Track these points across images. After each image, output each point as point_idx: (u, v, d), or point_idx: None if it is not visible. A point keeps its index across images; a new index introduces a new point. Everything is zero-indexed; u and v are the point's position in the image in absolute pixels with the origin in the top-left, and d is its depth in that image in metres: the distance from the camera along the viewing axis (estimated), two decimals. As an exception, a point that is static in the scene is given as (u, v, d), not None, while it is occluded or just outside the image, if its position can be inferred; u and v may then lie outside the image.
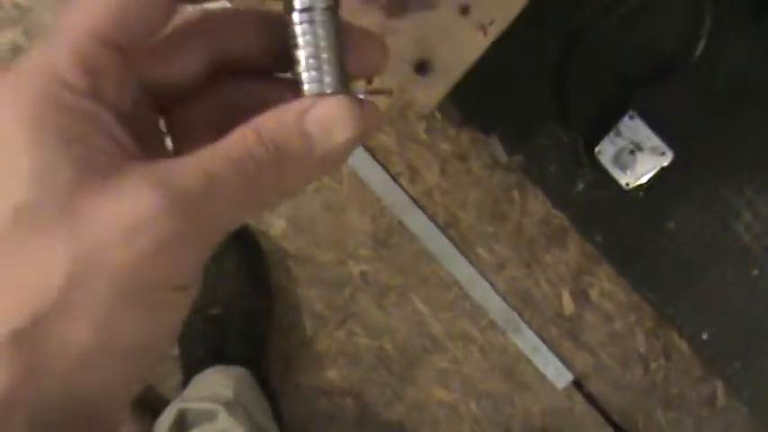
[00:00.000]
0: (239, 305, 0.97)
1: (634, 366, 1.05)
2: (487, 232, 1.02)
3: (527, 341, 1.03)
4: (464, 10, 0.62)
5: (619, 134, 0.99)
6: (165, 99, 0.29)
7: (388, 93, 0.76)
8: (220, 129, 0.27)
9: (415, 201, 1.00)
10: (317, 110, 0.26)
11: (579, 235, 1.02)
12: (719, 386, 1.06)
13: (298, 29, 0.28)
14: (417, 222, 1.01)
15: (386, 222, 1.01)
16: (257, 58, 0.30)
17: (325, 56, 0.28)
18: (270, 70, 0.30)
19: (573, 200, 1.02)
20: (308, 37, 0.28)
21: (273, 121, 0.26)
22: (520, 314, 1.03)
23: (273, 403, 1.00)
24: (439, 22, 0.62)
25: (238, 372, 0.92)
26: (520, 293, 1.03)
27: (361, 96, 0.28)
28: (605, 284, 1.03)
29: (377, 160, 0.99)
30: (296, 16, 0.28)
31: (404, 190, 1.00)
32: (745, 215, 1.02)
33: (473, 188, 1.01)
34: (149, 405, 1.03)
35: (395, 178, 1.00)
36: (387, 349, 1.05)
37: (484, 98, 1.01)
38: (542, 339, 1.04)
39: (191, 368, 0.96)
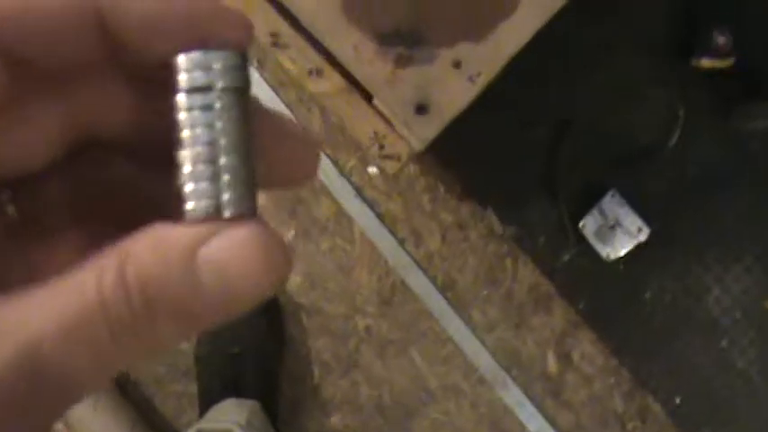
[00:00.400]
0: (256, 346, 1.07)
1: (612, 426, 1.14)
2: (482, 295, 1.13)
3: (513, 397, 1.13)
4: (456, 64, 0.74)
5: (601, 211, 1.09)
6: (5, 176, 0.22)
7: (398, 159, 0.89)
8: (78, 214, 0.24)
9: (417, 263, 1.12)
10: (212, 247, 0.19)
11: (564, 301, 1.12)
12: (691, 449, 1.15)
13: (184, 117, 0.20)
14: (419, 283, 1.12)
15: (390, 281, 1.13)
16: (129, 132, 0.23)
17: (226, 161, 0.20)
18: (148, 145, 0.23)
19: (559, 269, 1.13)
20: (198, 131, 0.20)
21: (148, 255, 0.19)
22: (508, 371, 1.13)
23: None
24: (436, 73, 0.75)
25: (252, 403, 1.02)
26: (508, 352, 1.14)
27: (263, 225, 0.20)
28: (587, 348, 1.13)
29: (385, 225, 1.12)
30: (182, 99, 0.20)
31: (408, 253, 1.12)
32: (715, 290, 1.12)
33: (470, 255, 1.13)
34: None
35: (401, 242, 1.12)
36: (385, 399, 1.15)
37: (482, 175, 1.12)
38: (527, 396, 1.13)
39: (208, 402, 1.06)
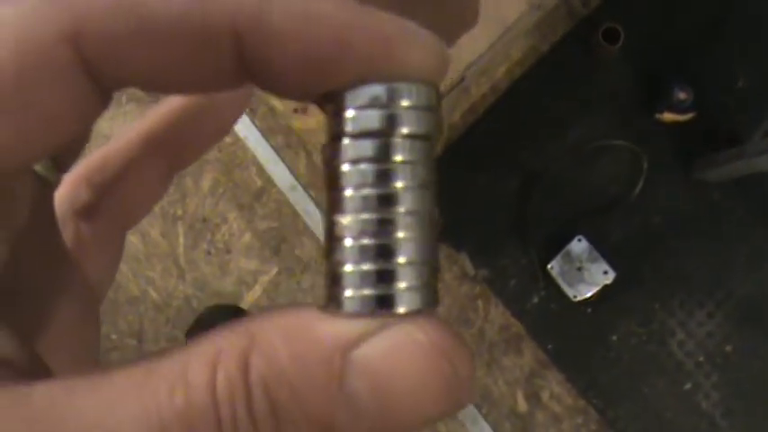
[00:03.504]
0: None
1: (580, 466, 1.27)
2: (454, 334, 1.27)
3: (484, 434, 1.27)
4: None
5: (568, 254, 1.23)
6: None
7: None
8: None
9: (393, 302, 1.27)
10: (371, 351, 0.15)
11: (533, 342, 1.26)
12: (658, 490, 1.27)
13: (349, 171, 0.16)
14: (394, 321, 1.27)
15: (368, 319, 1.27)
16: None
17: (405, 235, 0.16)
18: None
19: (529, 311, 1.27)
20: (368, 192, 0.16)
21: (282, 348, 0.15)
22: (478, 409, 1.27)
23: None
24: None
25: None
26: (480, 390, 1.27)
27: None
28: (555, 388, 1.26)
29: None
30: (350, 146, 0.16)
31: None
32: (679, 334, 1.25)
33: (445, 295, 1.27)
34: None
35: (377, 282, 1.27)
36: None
37: (457, 220, 1.27)
38: (498, 434, 1.27)
39: None
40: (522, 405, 1.25)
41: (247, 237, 1.30)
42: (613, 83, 1.26)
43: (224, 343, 0.15)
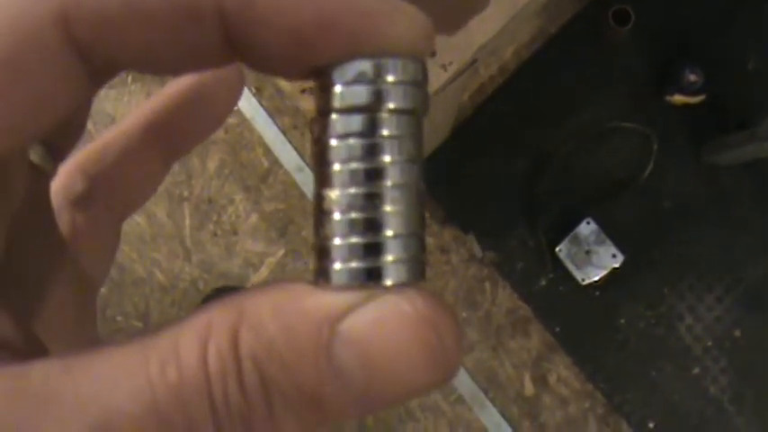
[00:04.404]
0: None
1: (587, 450, 1.30)
2: (461, 317, 1.29)
3: (491, 417, 1.29)
4: (431, 54, 0.92)
5: (577, 237, 1.25)
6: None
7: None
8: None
9: (400, 284, 1.29)
10: (358, 322, 0.16)
11: (541, 325, 1.28)
12: (664, 474, 1.29)
13: (337, 146, 0.17)
14: (401, 303, 1.29)
15: (375, 301, 1.29)
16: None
17: (391, 208, 0.17)
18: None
19: (536, 293, 1.29)
20: (356, 167, 0.17)
21: (272, 322, 0.16)
22: (485, 392, 1.29)
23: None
24: None
25: None
26: (486, 374, 1.29)
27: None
28: (562, 371, 1.29)
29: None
30: (338, 121, 0.17)
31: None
32: (687, 318, 1.27)
33: (451, 277, 1.29)
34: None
35: (384, 264, 1.29)
36: (367, 418, 1.31)
37: (465, 202, 1.29)
38: (504, 417, 1.29)
39: None
40: (529, 388, 1.27)
41: (254, 218, 1.32)
42: (623, 65, 1.28)
43: (214, 317, 0.16)
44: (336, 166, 0.17)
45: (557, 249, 1.25)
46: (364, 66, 0.17)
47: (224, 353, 0.15)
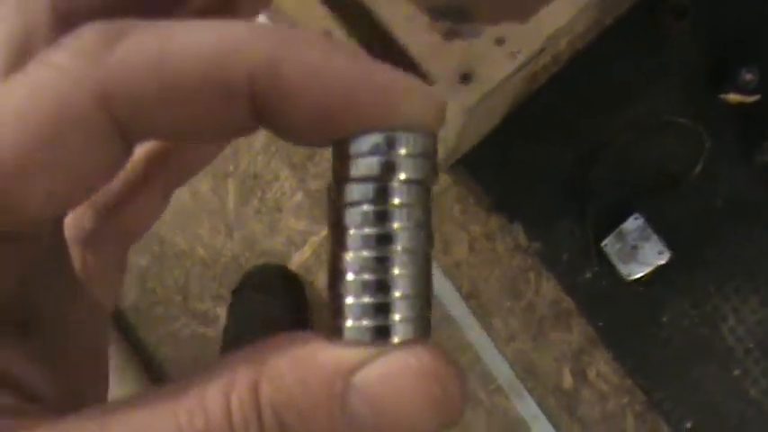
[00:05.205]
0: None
1: (623, 446, 1.32)
2: (504, 306, 1.32)
3: (528, 409, 1.32)
4: (499, 41, 0.92)
5: (624, 232, 1.28)
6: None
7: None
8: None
9: (444, 271, 1.32)
10: (369, 375, 0.18)
11: (583, 318, 1.31)
12: (699, 476, 1.31)
13: (351, 213, 0.19)
14: (444, 290, 1.32)
15: (416, 286, 1.32)
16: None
17: (401, 271, 0.19)
18: None
19: (580, 286, 1.32)
20: (368, 231, 0.19)
21: (290, 374, 0.18)
22: (524, 383, 1.32)
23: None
24: (480, 48, 0.92)
25: None
26: (526, 364, 1.32)
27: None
28: (602, 366, 1.32)
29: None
30: (353, 190, 0.19)
31: (435, 260, 1.32)
32: (731, 319, 1.31)
33: (496, 266, 1.32)
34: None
35: (429, 249, 1.32)
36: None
37: (512, 191, 1.32)
38: (542, 409, 1.32)
39: None
40: (568, 381, 1.30)
41: (299, 196, 1.35)
42: (678, 59, 1.31)
43: (237, 371, 0.18)
44: (351, 231, 0.19)
45: (603, 243, 1.27)
46: (378, 139, 0.19)
47: (246, 404, 0.17)
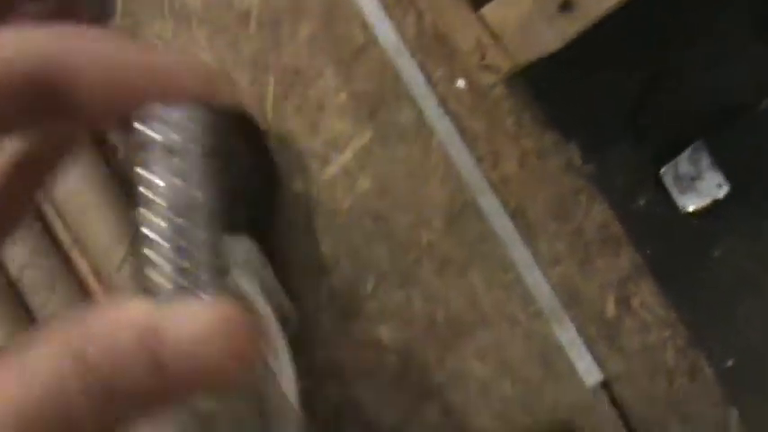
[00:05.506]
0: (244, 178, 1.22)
1: (659, 380, 1.30)
2: (551, 228, 1.27)
3: (567, 334, 1.29)
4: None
5: (683, 161, 1.24)
6: None
7: (497, 71, 1.02)
8: None
9: (492, 185, 1.26)
10: (174, 327, 0.21)
11: (632, 246, 1.27)
12: (734, 415, 1.29)
13: (144, 176, 0.22)
14: (490, 205, 1.27)
15: (461, 199, 1.28)
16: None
17: (192, 226, 0.22)
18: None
19: (632, 213, 1.28)
20: (161, 192, 0.22)
21: (107, 335, 0.21)
22: (566, 308, 1.28)
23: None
24: None
25: (243, 239, 1.17)
26: (569, 289, 1.29)
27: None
28: (647, 297, 1.29)
29: (465, 141, 1.26)
30: (142, 156, 0.23)
31: (484, 173, 1.27)
32: (786, 259, 1.26)
33: (546, 185, 1.28)
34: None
35: (478, 161, 1.27)
36: (438, 317, 1.31)
37: (570, 108, 1.27)
38: (581, 336, 1.28)
39: None
40: (611, 310, 1.28)
41: (342, 96, 1.28)
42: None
43: (60, 337, 0.20)
44: (149, 196, 0.22)
45: (661, 171, 1.22)
46: (161, 112, 0.22)
47: (70, 364, 0.20)
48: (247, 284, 1.08)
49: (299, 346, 1.21)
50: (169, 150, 0.22)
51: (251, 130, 1.27)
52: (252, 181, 1.24)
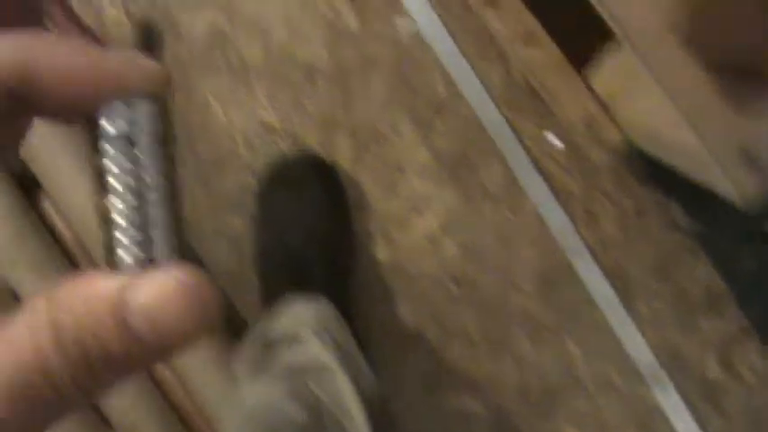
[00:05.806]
0: (319, 230, 1.15)
1: (764, 442, 1.25)
2: (651, 288, 1.20)
3: (668, 398, 1.23)
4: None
5: (794, 218, 1.16)
6: None
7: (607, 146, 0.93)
8: None
9: (588, 246, 1.19)
10: (141, 296, 0.24)
11: (737, 307, 1.20)
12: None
13: (107, 164, 0.26)
14: (586, 267, 1.20)
15: (555, 261, 1.20)
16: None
17: (152, 207, 0.26)
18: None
19: (738, 273, 1.21)
20: (122, 178, 0.26)
21: (81, 308, 0.23)
22: (667, 371, 1.22)
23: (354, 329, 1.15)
24: None
25: (322, 302, 1.08)
26: (670, 351, 1.22)
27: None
28: (753, 358, 1.22)
29: (559, 201, 1.18)
30: (105, 146, 0.26)
31: (580, 234, 1.19)
32: None
33: (646, 244, 1.20)
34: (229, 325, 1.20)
35: (573, 221, 1.18)
36: (532, 384, 1.24)
37: (670, 167, 1.18)
38: (683, 399, 1.22)
39: (271, 296, 1.12)
40: (715, 371, 1.20)
41: (423, 154, 1.18)
42: None
43: (38, 310, 0.23)
44: (111, 179, 0.26)
45: (767, 230, 1.15)
46: (118, 106, 0.26)
47: (48, 334, 0.22)
48: (322, 350, 1.01)
49: (385, 418, 1.15)
50: (126, 141, 0.25)
51: (323, 167, 1.18)
52: (323, 216, 1.16)
